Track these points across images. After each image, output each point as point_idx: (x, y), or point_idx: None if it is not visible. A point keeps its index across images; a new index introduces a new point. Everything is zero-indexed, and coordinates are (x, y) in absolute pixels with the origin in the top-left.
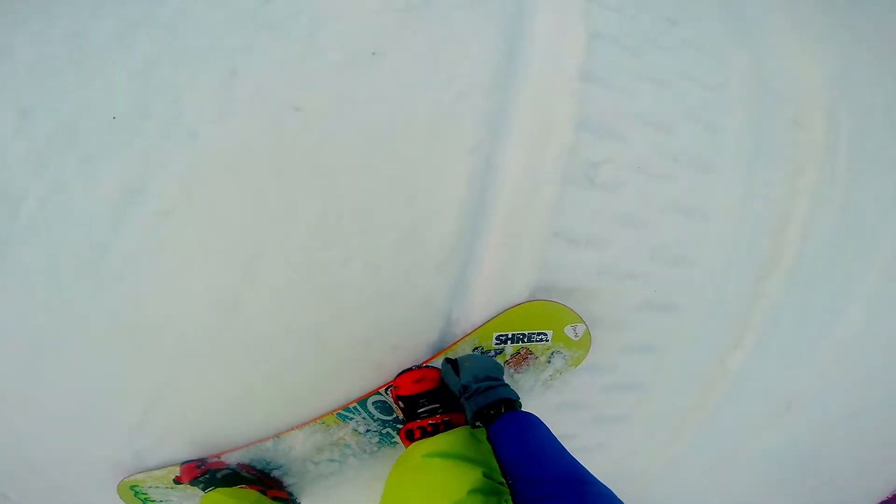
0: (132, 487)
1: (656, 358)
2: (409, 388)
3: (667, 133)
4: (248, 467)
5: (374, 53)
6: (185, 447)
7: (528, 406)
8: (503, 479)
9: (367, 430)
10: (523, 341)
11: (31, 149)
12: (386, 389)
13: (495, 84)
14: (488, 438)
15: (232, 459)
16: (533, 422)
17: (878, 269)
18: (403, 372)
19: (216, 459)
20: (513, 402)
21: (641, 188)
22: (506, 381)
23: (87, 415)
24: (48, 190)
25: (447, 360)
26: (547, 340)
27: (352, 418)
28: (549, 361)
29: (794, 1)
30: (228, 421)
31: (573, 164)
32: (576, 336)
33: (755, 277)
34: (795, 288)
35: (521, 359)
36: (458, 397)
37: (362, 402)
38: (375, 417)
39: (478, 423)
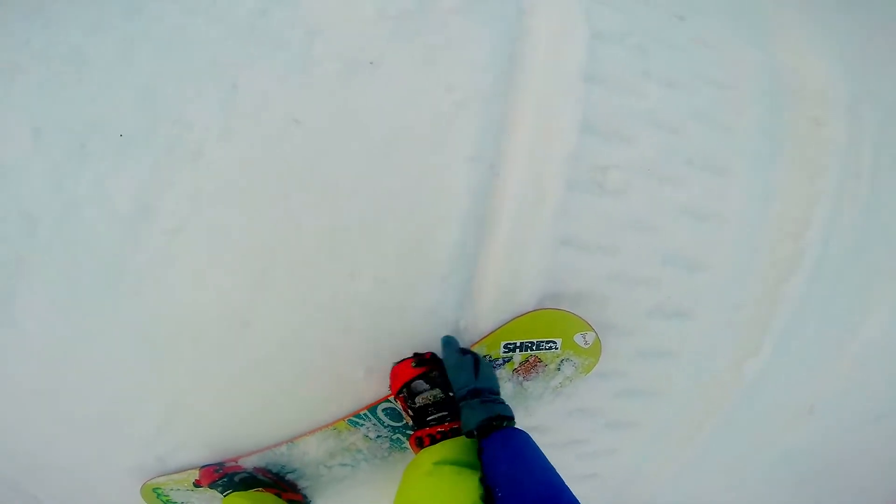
0: (155, 490)
1: (670, 363)
2: (409, 373)
3: (677, 135)
4: (265, 471)
5: (371, 63)
6: (203, 452)
7: (538, 412)
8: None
9: (378, 436)
10: (532, 349)
11: (46, 167)
12: (395, 397)
13: (496, 90)
14: (480, 449)
15: (248, 463)
16: (532, 443)
17: None
18: (396, 364)
19: (233, 463)
20: (512, 419)
21: (652, 192)
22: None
23: (110, 421)
24: (64, 208)
25: (466, 351)
26: (556, 348)
27: (362, 424)
28: (558, 369)
29: None
30: (244, 427)
31: (579, 169)
32: (586, 344)
33: (774, 281)
34: (817, 291)
35: (530, 367)
36: (463, 392)
37: (372, 409)
38: (385, 424)
39: (474, 432)
